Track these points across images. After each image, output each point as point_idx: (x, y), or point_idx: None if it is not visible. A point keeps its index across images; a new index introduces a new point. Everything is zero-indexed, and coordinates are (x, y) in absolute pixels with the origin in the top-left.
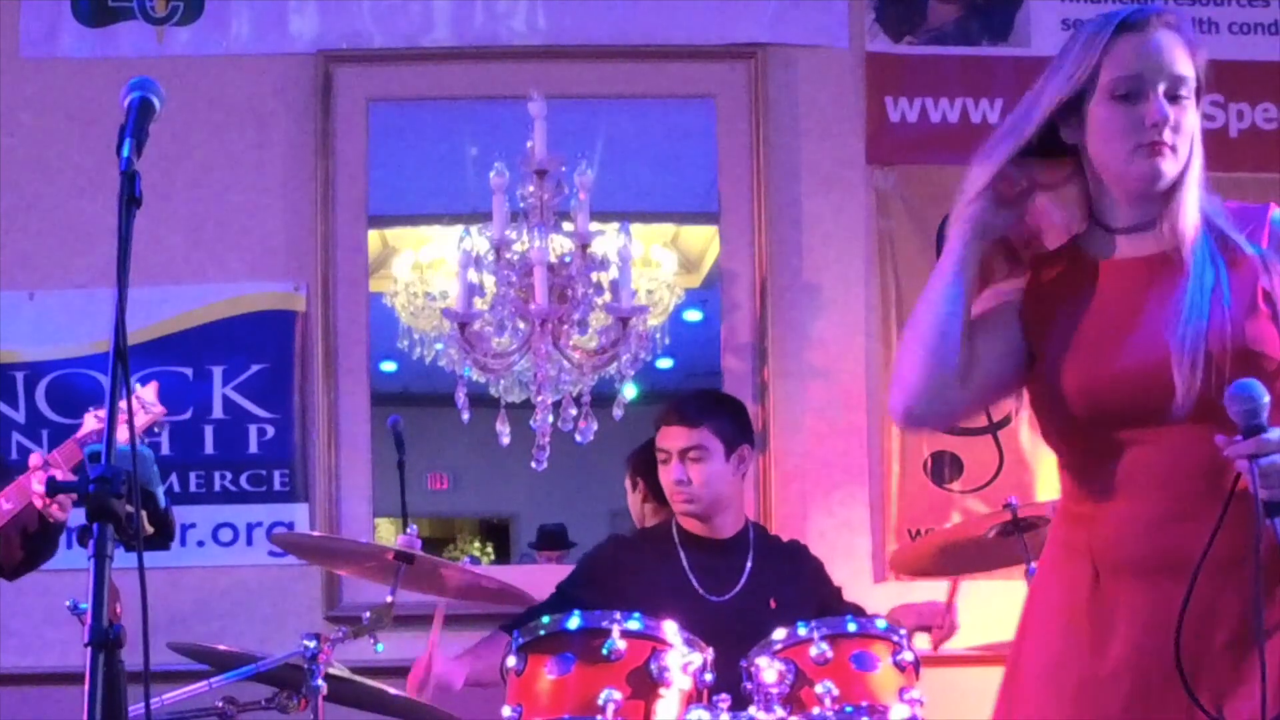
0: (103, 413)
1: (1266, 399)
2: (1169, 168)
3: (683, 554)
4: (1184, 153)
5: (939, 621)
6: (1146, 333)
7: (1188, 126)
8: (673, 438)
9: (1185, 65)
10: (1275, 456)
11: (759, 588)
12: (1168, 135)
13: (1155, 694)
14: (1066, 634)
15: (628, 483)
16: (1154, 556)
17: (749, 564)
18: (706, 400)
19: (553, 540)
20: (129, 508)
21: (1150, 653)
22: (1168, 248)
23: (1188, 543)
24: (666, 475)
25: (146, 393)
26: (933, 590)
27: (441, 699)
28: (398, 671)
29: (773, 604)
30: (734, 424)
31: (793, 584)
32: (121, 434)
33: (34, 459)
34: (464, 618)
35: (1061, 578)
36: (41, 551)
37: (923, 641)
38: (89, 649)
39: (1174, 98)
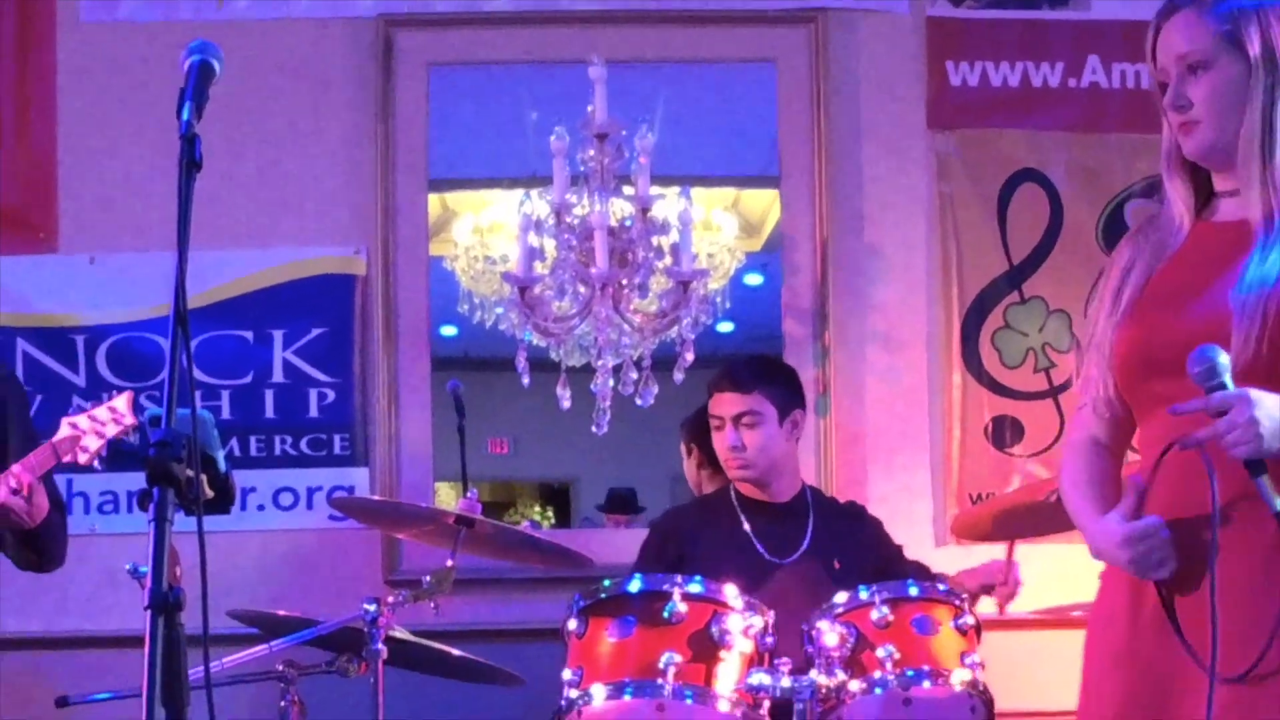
0: (79, 419)
1: (1225, 360)
2: (1197, 140)
3: (744, 518)
4: (1217, 119)
5: (1001, 579)
6: (1214, 293)
7: (1205, 95)
8: (725, 404)
9: (1196, 38)
10: (1231, 414)
11: (822, 549)
12: (1183, 115)
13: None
14: (1112, 593)
15: (683, 450)
16: (1190, 509)
17: (810, 526)
18: (758, 365)
19: (622, 504)
20: (189, 472)
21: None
22: (1254, 214)
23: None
24: (720, 442)
25: (119, 402)
26: (993, 554)
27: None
28: (458, 635)
29: (837, 564)
30: (786, 388)
31: (854, 544)
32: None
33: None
34: (525, 581)
35: None
36: (28, 556)
37: (989, 605)
38: (149, 612)
39: (1194, 70)
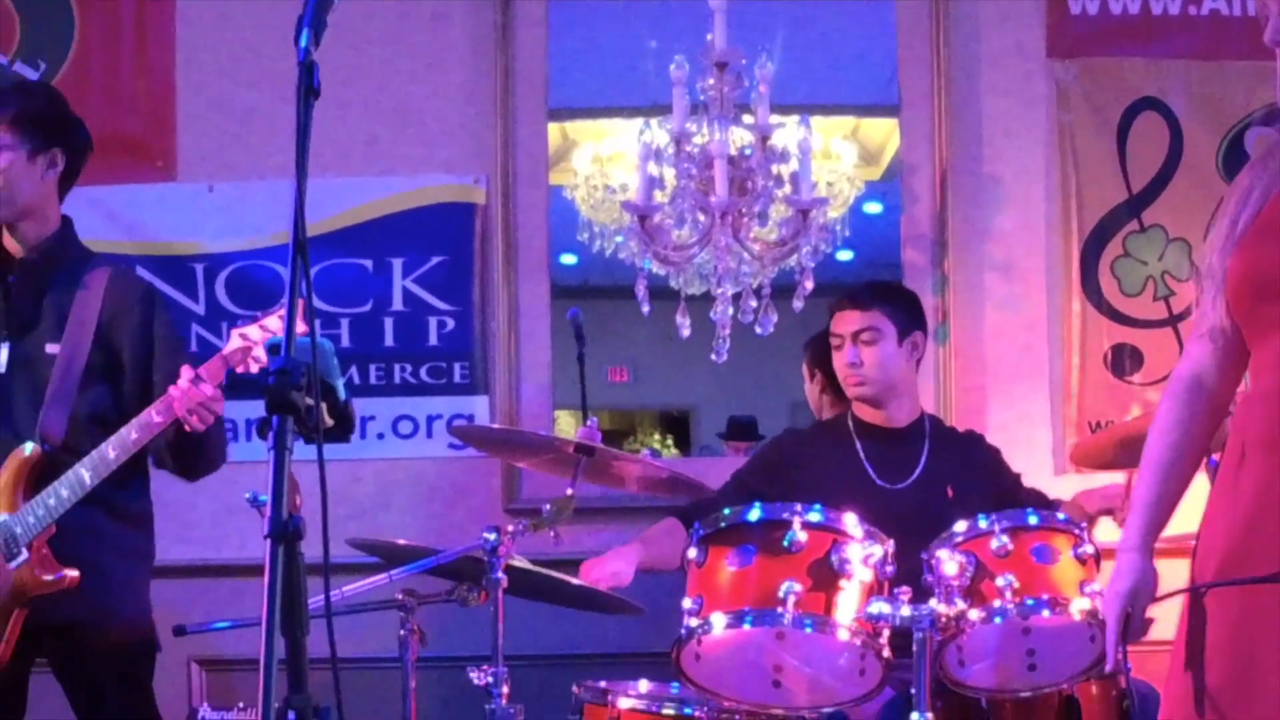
0: (249, 329)
1: None
2: None
3: (858, 443)
4: None
5: (1120, 504)
6: None
7: None
8: (845, 321)
9: None
10: None
11: (935, 476)
12: None
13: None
14: (1216, 516)
15: (805, 373)
16: (1275, 432)
17: (925, 452)
18: (879, 286)
19: (743, 431)
20: (309, 400)
21: (1259, 528)
22: None
23: None
24: (840, 359)
25: (272, 322)
26: (1112, 482)
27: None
28: (578, 564)
29: (949, 492)
30: (907, 309)
31: (969, 472)
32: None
33: (185, 372)
34: (644, 510)
35: (1224, 460)
36: (193, 461)
37: (1106, 532)
38: (268, 541)
39: None
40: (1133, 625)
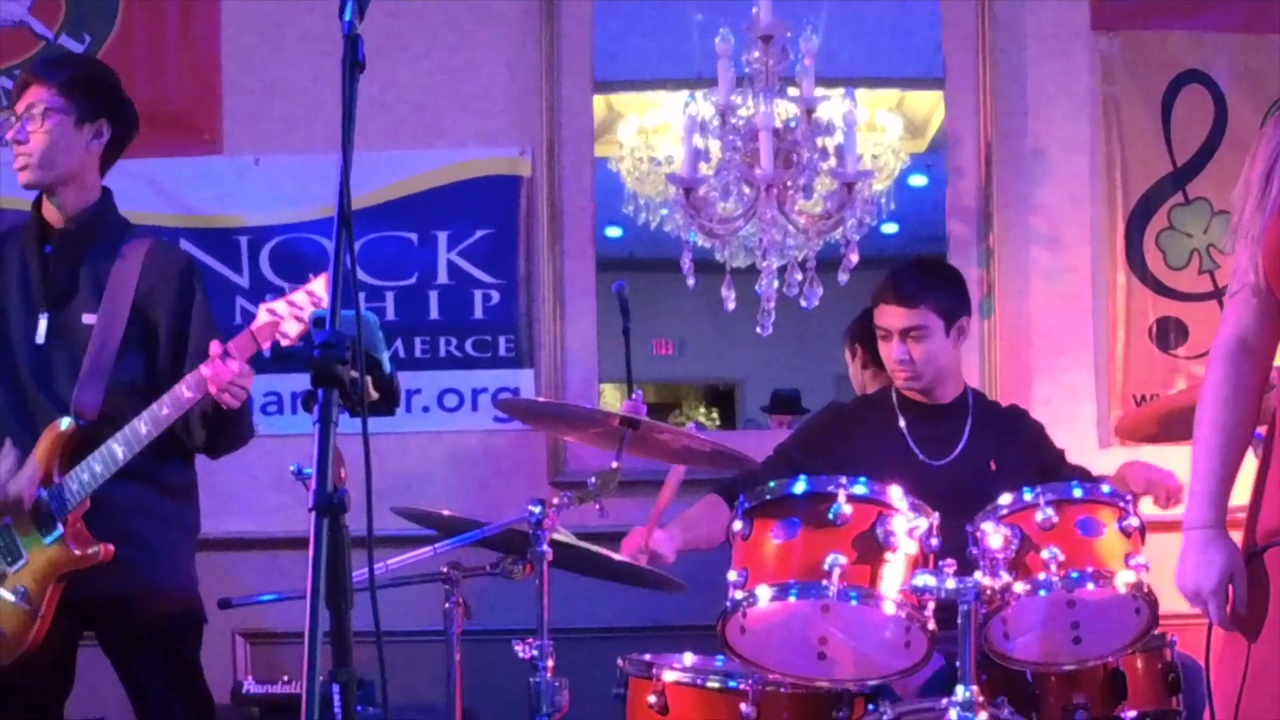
0: (277, 305)
1: None
2: None
3: (902, 419)
4: None
5: (1163, 492)
6: None
7: None
8: (891, 317)
9: None
10: None
11: (978, 451)
12: None
13: None
14: (1271, 486)
15: (847, 353)
16: None
17: (968, 427)
18: (924, 275)
19: (786, 404)
20: (354, 373)
21: None
22: None
23: None
24: (887, 353)
25: (317, 285)
26: (1157, 455)
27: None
28: (623, 537)
29: (993, 466)
30: (952, 297)
31: (1013, 446)
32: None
33: (213, 347)
34: (689, 483)
35: (1271, 432)
36: (223, 437)
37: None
38: (313, 514)
39: None
40: (1237, 604)
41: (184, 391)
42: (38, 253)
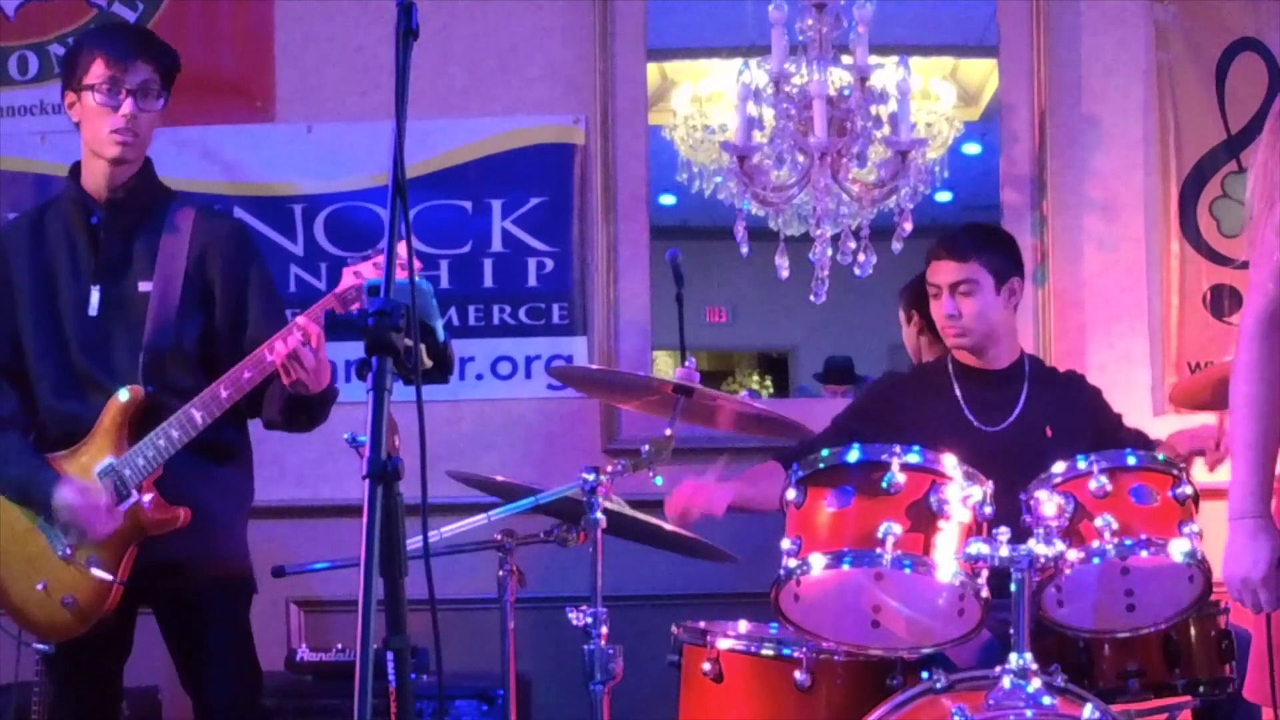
0: (361, 267)
1: None
2: None
3: (957, 386)
4: None
5: (1212, 445)
6: None
7: None
8: (942, 272)
9: None
10: None
11: (1034, 416)
12: None
13: None
14: None
15: (902, 317)
16: None
17: (1023, 394)
18: (975, 233)
19: (839, 373)
20: (408, 341)
21: None
22: None
23: None
24: (938, 309)
25: (400, 248)
26: (1210, 423)
27: (704, 523)
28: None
29: (1049, 432)
30: (1004, 256)
31: (1069, 412)
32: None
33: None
34: (743, 451)
35: None
36: (300, 419)
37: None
38: (367, 481)
39: None
40: None
41: (265, 355)
42: (85, 225)
